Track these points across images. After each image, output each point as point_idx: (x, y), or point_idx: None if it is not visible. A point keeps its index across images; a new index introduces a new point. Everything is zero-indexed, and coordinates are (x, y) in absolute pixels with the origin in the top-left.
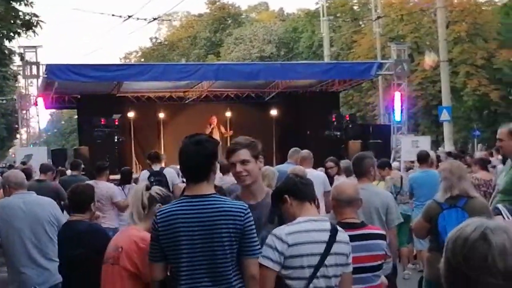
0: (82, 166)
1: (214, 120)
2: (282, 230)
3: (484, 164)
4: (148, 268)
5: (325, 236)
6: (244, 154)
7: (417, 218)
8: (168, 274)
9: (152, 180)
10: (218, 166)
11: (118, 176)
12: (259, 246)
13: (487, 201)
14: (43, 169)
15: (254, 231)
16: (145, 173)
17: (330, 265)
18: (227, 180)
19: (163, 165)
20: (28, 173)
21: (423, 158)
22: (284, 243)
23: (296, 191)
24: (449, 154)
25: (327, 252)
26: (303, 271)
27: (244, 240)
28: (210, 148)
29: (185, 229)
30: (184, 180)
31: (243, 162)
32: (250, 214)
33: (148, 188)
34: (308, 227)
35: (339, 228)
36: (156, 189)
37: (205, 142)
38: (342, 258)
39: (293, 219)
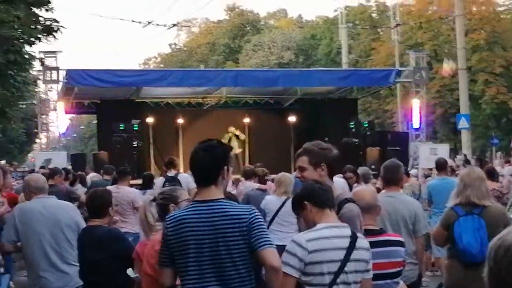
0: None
1: (232, 130)
2: (302, 237)
3: (489, 173)
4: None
5: (345, 243)
6: (302, 161)
7: (436, 226)
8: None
9: (167, 185)
10: (230, 170)
11: (138, 181)
12: (270, 239)
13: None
14: (51, 174)
15: (263, 225)
16: (161, 180)
17: (350, 272)
18: (248, 185)
19: (180, 170)
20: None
21: (441, 166)
22: (304, 250)
23: (316, 198)
24: (467, 161)
25: (347, 259)
26: (323, 278)
27: (253, 235)
28: (219, 153)
29: (193, 234)
30: None
31: (300, 168)
32: (257, 212)
33: (154, 200)
34: (328, 233)
35: (359, 234)
36: (159, 196)
37: (214, 147)
38: (362, 264)
39: (313, 226)
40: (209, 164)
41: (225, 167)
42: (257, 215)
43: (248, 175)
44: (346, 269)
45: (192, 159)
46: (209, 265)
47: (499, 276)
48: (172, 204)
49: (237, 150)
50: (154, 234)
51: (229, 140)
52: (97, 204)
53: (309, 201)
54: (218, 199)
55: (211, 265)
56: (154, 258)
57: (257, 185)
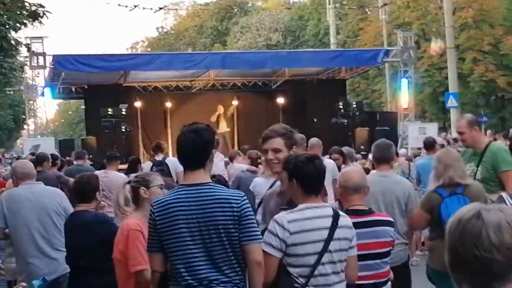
0: (87, 156)
1: (221, 108)
2: (284, 217)
3: None
4: (134, 256)
5: (328, 222)
6: (277, 142)
7: (416, 210)
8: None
9: (154, 170)
10: (214, 153)
11: (126, 166)
12: (258, 232)
13: None
14: (38, 160)
15: (252, 217)
16: (148, 164)
17: (335, 251)
18: (236, 167)
19: (169, 154)
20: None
21: (429, 145)
22: (285, 231)
23: (307, 183)
24: (455, 140)
25: (330, 238)
26: (308, 258)
27: (242, 227)
28: (207, 136)
29: (183, 218)
30: None
31: (276, 150)
32: (247, 201)
33: (129, 183)
34: (310, 214)
35: (341, 213)
36: (133, 178)
37: (201, 130)
38: (346, 242)
39: (296, 201)
40: (198, 147)
41: (212, 150)
42: (247, 203)
43: (232, 157)
44: (330, 248)
45: (180, 142)
46: (199, 248)
47: (453, 248)
48: (143, 188)
49: (225, 129)
50: (125, 218)
51: (218, 118)
52: (84, 189)
53: (298, 182)
54: (207, 182)
55: (202, 249)
56: (122, 243)
57: (246, 167)
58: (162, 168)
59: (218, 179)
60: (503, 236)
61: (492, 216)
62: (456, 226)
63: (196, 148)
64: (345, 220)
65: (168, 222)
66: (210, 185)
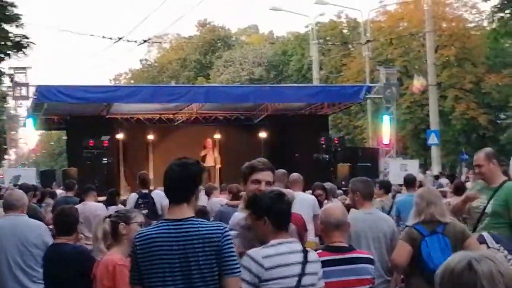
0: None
1: (209, 143)
2: (258, 253)
3: (457, 189)
4: None
5: (300, 257)
6: (270, 175)
7: (399, 244)
8: None
9: (140, 202)
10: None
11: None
12: (238, 265)
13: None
14: (22, 190)
15: (233, 249)
16: (134, 196)
17: (307, 285)
18: (215, 201)
19: (151, 187)
20: None
21: (410, 182)
22: (260, 266)
23: (277, 220)
24: (436, 177)
25: (303, 273)
26: None
27: (222, 260)
28: (194, 171)
29: (164, 253)
30: None
31: (269, 183)
32: (228, 233)
33: (107, 217)
34: (283, 249)
35: (308, 248)
36: (113, 213)
37: (190, 164)
38: (315, 277)
39: (264, 239)
40: (183, 181)
41: (199, 186)
42: (229, 236)
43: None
44: (303, 282)
45: (166, 175)
46: (180, 284)
47: None
48: (122, 223)
49: (211, 163)
50: (108, 253)
51: (206, 154)
52: (65, 222)
53: (271, 219)
54: (188, 217)
55: (182, 284)
56: (107, 279)
57: (226, 201)
58: (147, 200)
59: (202, 210)
60: (497, 286)
61: (483, 267)
62: (449, 278)
63: (181, 182)
64: (313, 255)
65: (149, 257)
66: (192, 220)
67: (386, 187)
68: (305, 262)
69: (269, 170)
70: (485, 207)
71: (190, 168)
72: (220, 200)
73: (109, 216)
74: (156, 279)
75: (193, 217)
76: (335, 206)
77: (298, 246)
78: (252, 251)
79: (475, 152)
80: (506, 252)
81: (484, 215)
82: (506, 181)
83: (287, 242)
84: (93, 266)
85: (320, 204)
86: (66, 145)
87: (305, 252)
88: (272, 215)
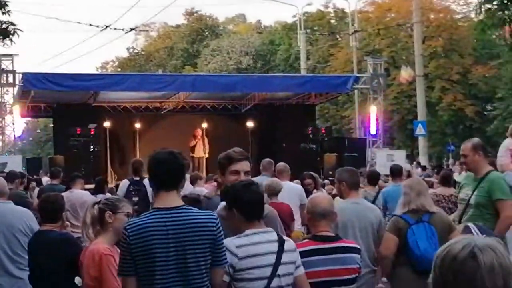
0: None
1: (199, 133)
2: (232, 242)
3: (444, 180)
4: (110, 281)
5: (274, 247)
6: (248, 165)
7: (386, 235)
8: None
9: (131, 189)
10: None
11: (93, 186)
12: (225, 254)
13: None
14: (9, 177)
15: (223, 238)
16: (126, 182)
17: (283, 275)
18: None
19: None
20: None
21: (396, 173)
22: (234, 256)
23: (247, 210)
24: (423, 168)
25: (278, 263)
26: (257, 283)
27: (214, 250)
28: (182, 159)
29: (159, 243)
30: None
31: (247, 173)
32: (220, 224)
33: (96, 203)
34: (257, 239)
35: (285, 237)
36: (103, 200)
37: (176, 153)
38: (292, 266)
39: (238, 230)
40: (175, 168)
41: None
42: (220, 226)
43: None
44: (279, 272)
45: (156, 162)
46: (175, 273)
47: (445, 284)
48: (109, 212)
49: (201, 154)
50: (94, 242)
51: (196, 144)
52: (50, 209)
53: (238, 210)
54: (180, 206)
55: (178, 274)
56: (93, 269)
57: (207, 190)
58: (139, 188)
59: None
60: (495, 280)
61: (486, 258)
62: (450, 264)
63: (173, 170)
64: (290, 244)
65: (144, 246)
66: (185, 208)
67: (373, 178)
68: (281, 251)
69: (246, 160)
70: (469, 198)
71: (179, 156)
72: (201, 189)
73: (98, 203)
74: (153, 268)
75: (184, 205)
76: (321, 195)
77: (273, 236)
78: (225, 241)
79: (463, 142)
80: None
81: (469, 207)
82: (490, 171)
83: (262, 232)
84: (78, 253)
85: (309, 193)
86: (52, 133)
87: (281, 241)
88: (240, 206)
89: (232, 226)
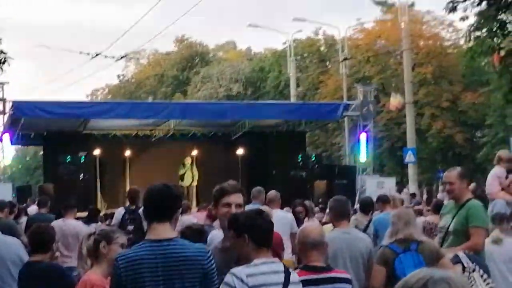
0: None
1: (188, 161)
2: (242, 271)
3: (436, 208)
4: None
5: (281, 278)
6: (240, 198)
7: (374, 269)
8: None
9: (127, 218)
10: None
11: (83, 214)
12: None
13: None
14: None
15: (216, 273)
16: (121, 210)
17: None
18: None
19: (126, 204)
20: None
21: (383, 201)
22: (244, 284)
23: (258, 235)
24: (413, 195)
25: None
26: None
27: (206, 283)
28: (177, 192)
29: (149, 275)
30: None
31: (239, 205)
32: (212, 257)
33: (91, 235)
34: (266, 269)
35: (290, 269)
36: (97, 231)
37: (171, 186)
38: None
39: (246, 258)
40: (170, 200)
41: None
42: (212, 260)
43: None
44: None
45: (151, 193)
46: None
47: None
48: (104, 243)
49: (189, 182)
50: (87, 272)
51: (185, 173)
52: (41, 239)
53: (249, 236)
54: (173, 238)
55: None
56: None
57: (195, 220)
58: (134, 217)
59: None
60: None
61: None
62: None
63: (168, 201)
64: (295, 276)
65: (134, 279)
66: (177, 241)
67: (366, 206)
68: (287, 283)
69: (238, 192)
70: (449, 226)
71: (174, 189)
72: (190, 218)
73: (93, 234)
74: None
75: (176, 237)
76: (312, 226)
77: (279, 267)
78: (235, 270)
79: (447, 170)
80: (482, 271)
81: (448, 234)
82: (469, 199)
83: (270, 262)
84: (68, 284)
85: (300, 221)
86: (42, 161)
87: (287, 272)
88: (252, 233)
89: (242, 254)
